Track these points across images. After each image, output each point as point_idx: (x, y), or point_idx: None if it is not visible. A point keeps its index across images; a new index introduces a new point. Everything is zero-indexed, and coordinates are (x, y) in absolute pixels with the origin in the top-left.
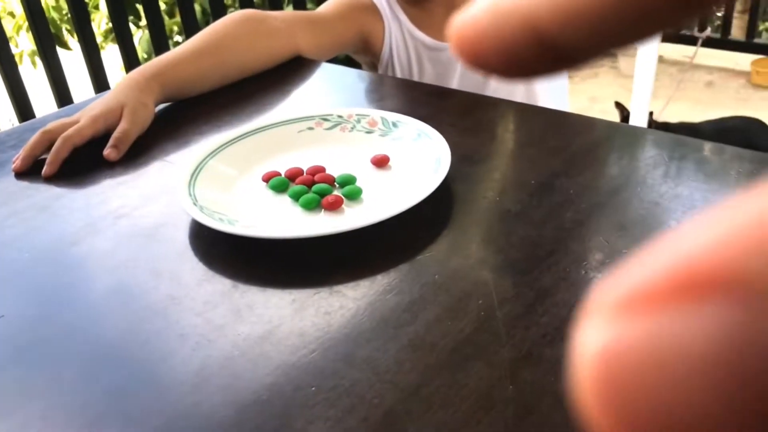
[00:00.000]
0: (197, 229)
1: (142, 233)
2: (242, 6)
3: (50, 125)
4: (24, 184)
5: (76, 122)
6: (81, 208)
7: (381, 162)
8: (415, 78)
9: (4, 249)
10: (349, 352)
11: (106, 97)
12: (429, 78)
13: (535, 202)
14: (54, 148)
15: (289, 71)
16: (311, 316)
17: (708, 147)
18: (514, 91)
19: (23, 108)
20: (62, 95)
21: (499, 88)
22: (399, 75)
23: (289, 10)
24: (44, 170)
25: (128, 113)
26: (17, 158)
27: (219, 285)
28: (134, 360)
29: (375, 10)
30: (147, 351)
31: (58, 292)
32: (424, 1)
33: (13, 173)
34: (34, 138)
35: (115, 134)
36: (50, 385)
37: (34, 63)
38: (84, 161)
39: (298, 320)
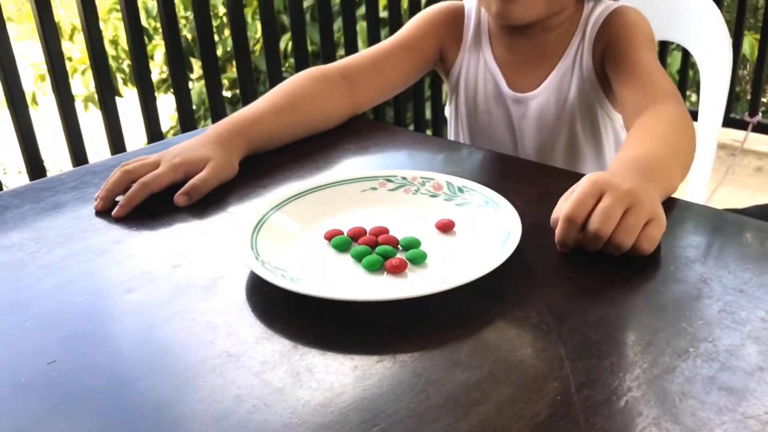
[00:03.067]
0: (256, 284)
1: (200, 284)
2: (298, 64)
3: (131, 165)
4: (82, 226)
5: (156, 163)
6: (138, 255)
7: (446, 227)
8: (481, 113)
9: (58, 291)
10: (416, 430)
11: (191, 145)
12: (493, 115)
13: (612, 279)
14: (130, 192)
15: (351, 130)
16: (374, 386)
17: None
18: (584, 154)
19: (78, 152)
20: (116, 141)
21: (563, 151)
22: (462, 102)
23: (357, 58)
24: (115, 211)
25: (212, 167)
26: (98, 197)
27: (278, 345)
28: (187, 419)
29: (459, 28)
30: (201, 410)
31: (110, 340)
32: (514, 34)
33: (71, 214)
34: (115, 177)
35: (192, 182)
36: None
37: (86, 107)
38: (142, 207)
39: (360, 390)
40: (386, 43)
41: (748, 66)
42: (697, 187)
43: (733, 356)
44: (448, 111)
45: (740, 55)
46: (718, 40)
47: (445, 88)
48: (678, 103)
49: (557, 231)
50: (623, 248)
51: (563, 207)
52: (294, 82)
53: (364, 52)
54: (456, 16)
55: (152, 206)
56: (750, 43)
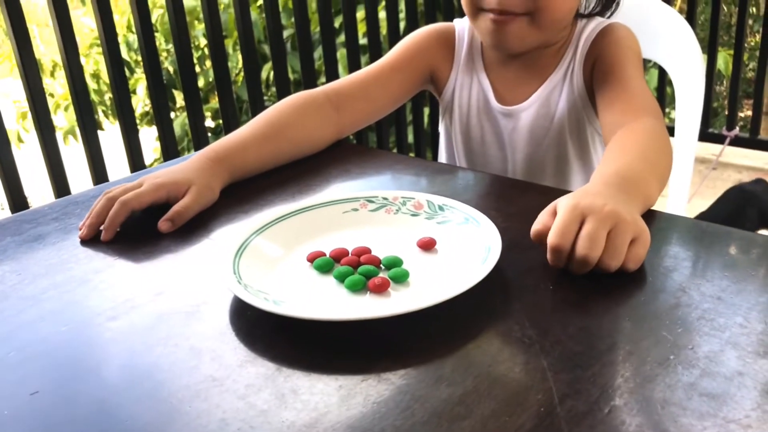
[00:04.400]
0: (239, 308)
1: (183, 311)
2: (279, 92)
3: (114, 191)
4: (64, 257)
5: (139, 185)
6: (120, 283)
7: (427, 245)
8: (473, 129)
9: (42, 322)
10: None
11: (175, 169)
12: (485, 130)
13: (592, 291)
14: (111, 213)
15: (334, 155)
16: (359, 405)
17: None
18: (573, 169)
19: (61, 189)
20: (98, 173)
21: (552, 166)
22: (456, 120)
23: (345, 82)
24: (102, 236)
25: (194, 192)
26: (83, 225)
27: (262, 368)
28: None
29: (450, 48)
30: None
31: (94, 369)
32: (510, 58)
33: (53, 245)
34: (99, 204)
35: (176, 208)
36: None
37: (66, 141)
38: (124, 236)
39: (345, 409)
40: (375, 65)
41: (724, 82)
42: (677, 201)
43: (713, 362)
44: (441, 128)
45: (715, 72)
46: (691, 57)
47: (428, 111)
48: (655, 118)
49: (548, 259)
50: (610, 271)
51: (549, 238)
52: (279, 108)
53: (353, 76)
54: (446, 37)
55: (133, 235)
56: (725, 59)
